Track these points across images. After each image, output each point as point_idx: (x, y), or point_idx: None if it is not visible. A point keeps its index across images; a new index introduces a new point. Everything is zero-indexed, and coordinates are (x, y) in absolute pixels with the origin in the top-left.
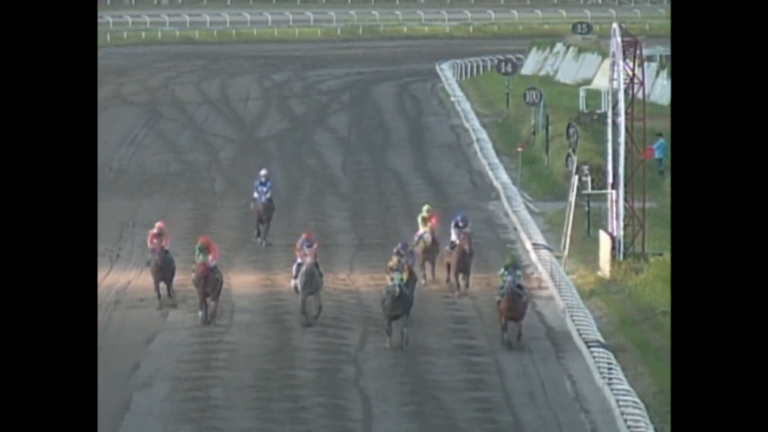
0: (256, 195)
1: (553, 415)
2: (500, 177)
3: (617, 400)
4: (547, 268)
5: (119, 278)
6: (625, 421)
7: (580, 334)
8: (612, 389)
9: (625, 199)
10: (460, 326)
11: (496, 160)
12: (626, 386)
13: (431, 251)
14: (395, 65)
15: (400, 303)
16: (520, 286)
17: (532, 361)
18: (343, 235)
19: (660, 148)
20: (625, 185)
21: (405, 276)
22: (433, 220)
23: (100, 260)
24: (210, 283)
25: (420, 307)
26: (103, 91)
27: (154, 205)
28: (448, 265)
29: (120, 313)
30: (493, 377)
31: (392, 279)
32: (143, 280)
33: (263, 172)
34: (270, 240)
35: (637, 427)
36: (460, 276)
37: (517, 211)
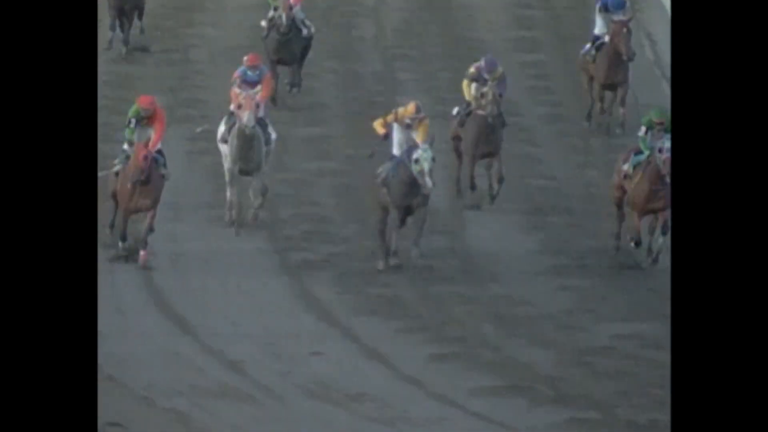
0: None
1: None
2: None
3: None
4: None
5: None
6: None
7: None
8: None
9: None
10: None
11: None
12: None
13: (287, 49)
14: None
15: (417, 189)
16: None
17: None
18: None
19: None
20: None
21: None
22: None
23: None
24: (148, 187)
25: None
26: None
27: None
28: (590, 78)
29: None
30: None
31: (416, 160)
32: None
33: None
34: None
35: None
36: (606, 92)
37: None
